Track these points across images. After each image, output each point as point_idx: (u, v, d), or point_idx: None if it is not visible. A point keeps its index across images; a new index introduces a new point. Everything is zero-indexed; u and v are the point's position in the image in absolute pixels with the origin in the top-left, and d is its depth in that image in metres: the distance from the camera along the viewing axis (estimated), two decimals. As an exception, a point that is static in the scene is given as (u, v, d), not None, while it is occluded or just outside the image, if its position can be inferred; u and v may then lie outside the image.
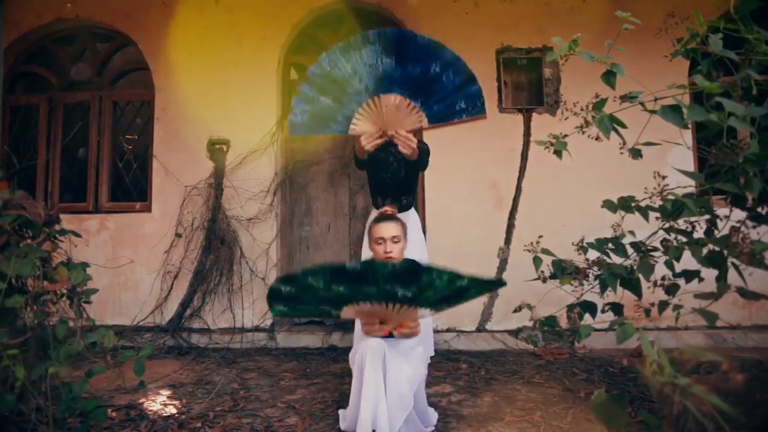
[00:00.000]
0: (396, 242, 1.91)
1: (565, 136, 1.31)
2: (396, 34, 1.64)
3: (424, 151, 2.01)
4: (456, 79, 1.68)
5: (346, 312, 1.50)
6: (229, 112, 3.74)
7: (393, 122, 1.77)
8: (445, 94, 1.72)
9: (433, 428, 2.05)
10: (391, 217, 1.93)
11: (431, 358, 2.25)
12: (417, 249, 2.34)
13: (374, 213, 2.34)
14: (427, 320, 2.29)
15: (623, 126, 1.22)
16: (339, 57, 1.66)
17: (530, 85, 3.68)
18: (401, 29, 1.68)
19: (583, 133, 1.27)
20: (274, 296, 1.41)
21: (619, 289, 1.20)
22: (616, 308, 1.26)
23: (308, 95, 1.71)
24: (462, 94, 1.72)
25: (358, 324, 2.14)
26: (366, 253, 2.23)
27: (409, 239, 2.14)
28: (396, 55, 1.64)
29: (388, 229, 1.88)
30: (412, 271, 1.33)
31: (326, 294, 1.37)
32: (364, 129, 1.80)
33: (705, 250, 1.12)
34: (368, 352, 1.73)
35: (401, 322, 1.65)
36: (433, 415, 2.09)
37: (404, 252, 2.01)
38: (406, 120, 1.78)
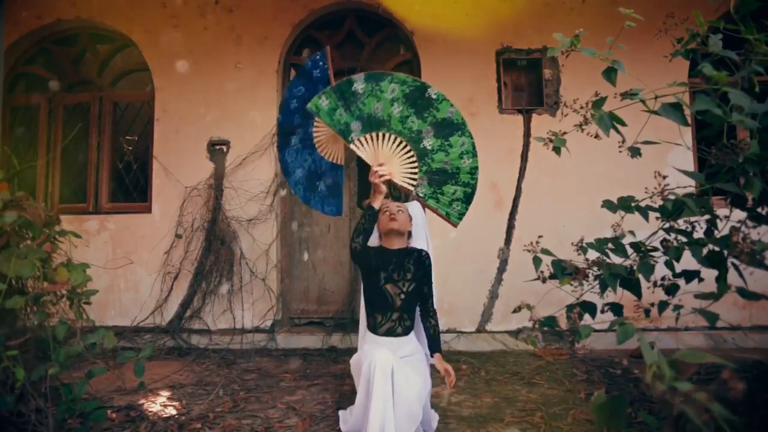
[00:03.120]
0: (400, 211, 1.95)
1: (565, 134, 1.30)
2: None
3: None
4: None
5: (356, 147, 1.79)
6: (229, 113, 3.74)
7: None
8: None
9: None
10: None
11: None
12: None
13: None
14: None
15: (623, 124, 1.22)
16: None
17: (530, 86, 3.68)
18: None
19: (583, 130, 1.27)
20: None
21: (619, 289, 1.20)
22: (616, 308, 1.25)
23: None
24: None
25: (361, 331, 2.13)
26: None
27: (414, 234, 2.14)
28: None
29: (394, 202, 1.95)
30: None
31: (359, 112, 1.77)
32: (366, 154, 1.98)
33: (705, 251, 1.12)
34: (377, 366, 1.71)
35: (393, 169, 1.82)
36: (434, 418, 2.09)
37: (407, 228, 2.03)
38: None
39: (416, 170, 1.83)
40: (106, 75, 4.05)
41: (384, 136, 1.83)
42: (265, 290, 3.61)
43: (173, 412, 2.31)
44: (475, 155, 1.86)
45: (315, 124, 1.91)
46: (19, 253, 1.67)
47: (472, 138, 1.86)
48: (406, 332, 2.02)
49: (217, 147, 3.72)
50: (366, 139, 1.83)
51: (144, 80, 3.96)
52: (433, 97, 1.82)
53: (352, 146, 1.83)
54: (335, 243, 3.78)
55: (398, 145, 1.83)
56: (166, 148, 3.78)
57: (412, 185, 1.83)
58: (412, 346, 2.04)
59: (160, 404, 2.41)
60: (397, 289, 2.00)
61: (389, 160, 1.83)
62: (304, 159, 1.89)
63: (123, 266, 3.65)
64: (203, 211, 3.68)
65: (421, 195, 1.84)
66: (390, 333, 1.99)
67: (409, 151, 1.83)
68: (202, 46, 3.79)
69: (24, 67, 4.08)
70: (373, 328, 2.03)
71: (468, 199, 1.87)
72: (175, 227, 3.68)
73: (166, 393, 2.57)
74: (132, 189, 4.00)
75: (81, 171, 3.99)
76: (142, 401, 2.43)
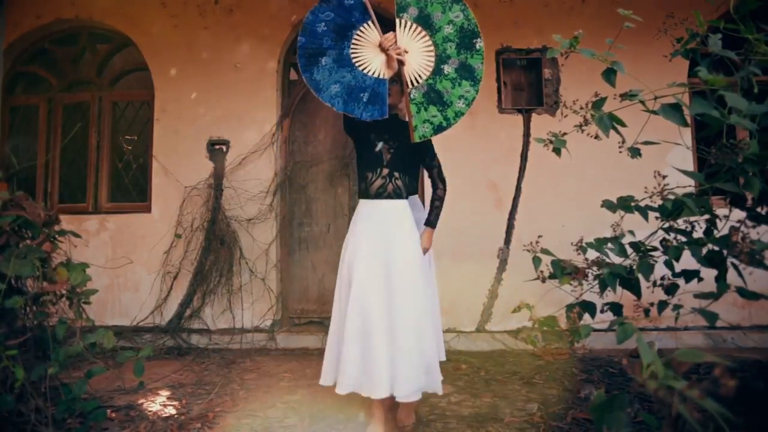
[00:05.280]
0: (394, 84, 2.10)
1: (564, 134, 1.31)
2: None
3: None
4: None
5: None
6: (228, 113, 3.74)
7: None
8: None
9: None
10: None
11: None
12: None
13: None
14: (437, 320, 2.27)
15: (623, 125, 1.22)
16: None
17: (530, 86, 3.68)
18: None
19: (583, 131, 1.27)
20: None
21: (619, 289, 1.20)
22: (616, 308, 1.25)
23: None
24: None
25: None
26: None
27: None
28: None
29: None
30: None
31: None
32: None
33: (704, 250, 1.12)
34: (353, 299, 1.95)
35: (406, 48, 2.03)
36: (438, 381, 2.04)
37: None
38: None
39: (424, 77, 2.07)
40: (105, 75, 4.05)
41: (424, 37, 2.08)
42: (265, 290, 3.61)
43: (173, 411, 2.31)
44: (468, 105, 2.10)
45: (353, 45, 2.08)
46: (19, 252, 1.67)
47: (476, 94, 2.11)
48: (398, 195, 2.08)
49: (217, 147, 3.72)
50: (409, 26, 2.08)
51: (143, 80, 3.95)
52: (477, 47, 2.11)
53: (397, 20, 2.08)
54: (335, 243, 3.77)
55: (427, 51, 2.08)
56: (165, 147, 3.77)
57: (413, 84, 2.06)
58: (406, 214, 2.10)
59: (159, 404, 2.41)
60: (386, 145, 2.11)
61: (412, 55, 2.06)
62: (341, 76, 2.05)
63: (123, 266, 3.65)
64: (203, 211, 3.68)
65: (411, 96, 2.06)
66: (380, 194, 2.07)
67: (430, 62, 2.08)
68: (202, 46, 3.79)
69: (23, 66, 4.08)
70: (365, 191, 2.11)
71: (437, 129, 2.08)
72: (175, 227, 3.68)
73: (165, 393, 2.57)
74: (132, 189, 4.00)
75: (80, 171, 3.99)
76: (141, 401, 2.43)
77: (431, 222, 2.17)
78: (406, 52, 2.05)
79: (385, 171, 2.09)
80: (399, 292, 1.95)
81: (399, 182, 2.10)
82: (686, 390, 0.65)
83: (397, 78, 2.09)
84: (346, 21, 2.07)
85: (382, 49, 2.05)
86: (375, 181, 2.08)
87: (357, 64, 2.07)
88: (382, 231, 2.04)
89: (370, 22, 2.08)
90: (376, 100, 2.05)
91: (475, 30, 2.14)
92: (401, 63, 2.04)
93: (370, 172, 2.10)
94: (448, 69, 2.09)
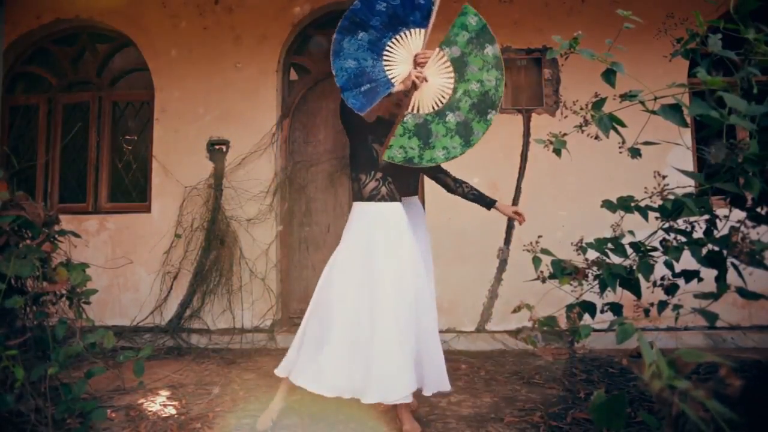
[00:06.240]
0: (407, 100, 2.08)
1: (565, 135, 1.31)
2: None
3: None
4: None
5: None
6: (229, 113, 3.74)
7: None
8: None
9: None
10: None
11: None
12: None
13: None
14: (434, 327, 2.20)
15: (623, 125, 1.22)
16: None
17: (530, 86, 3.68)
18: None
19: (583, 131, 1.27)
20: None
21: (619, 289, 1.20)
22: (616, 308, 1.26)
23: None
24: None
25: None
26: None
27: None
28: None
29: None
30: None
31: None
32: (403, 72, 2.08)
33: (704, 250, 1.12)
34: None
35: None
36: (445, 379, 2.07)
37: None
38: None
39: (425, 111, 2.06)
40: (105, 75, 4.05)
41: (450, 78, 2.07)
42: (265, 290, 3.61)
43: (173, 411, 2.31)
44: (446, 159, 2.05)
45: (394, 41, 2.04)
46: (19, 252, 1.67)
47: (459, 155, 2.06)
48: (391, 197, 2.09)
49: (217, 147, 3.72)
50: (444, 61, 2.06)
51: (143, 80, 3.95)
52: (488, 117, 2.07)
53: (437, 49, 2.07)
54: (335, 243, 3.76)
55: (443, 91, 2.06)
56: (165, 147, 3.77)
57: (413, 110, 2.05)
58: (397, 216, 2.09)
59: (159, 404, 2.41)
60: (383, 149, 2.09)
61: (428, 87, 2.05)
62: (363, 58, 2.01)
63: (122, 266, 3.65)
64: (203, 211, 3.68)
65: (404, 120, 2.04)
66: (373, 196, 2.07)
67: (440, 101, 2.07)
68: (202, 46, 3.79)
69: (23, 66, 4.08)
70: (358, 193, 2.11)
71: (407, 161, 2.02)
72: (175, 227, 3.68)
73: (165, 393, 2.57)
74: (131, 189, 4.00)
75: (80, 171, 3.99)
76: (141, 401, 2.43)
77: (489, 200, 2.26)
78: (426, 81, 2.03)
79: (379, 174, 2.09)
80: (381, 296, 1.94)
81: (393, 186, 2.10)
82: (691, 390, 0.65)
83: (404, 93, 2.07)
84: (404, 15, 2.04)
85: (415, 61, 2.04)
86: (368, 183, 2.08)
87: (384, 58, 2.03)
88: (370, 234, 2.04)
89: (423, 30, 2.06)
90: (369, 95, 2.00)
91: (496, 102, 2.09)
92: (414, 86, 2.02)
93: (364, 174, 2.10)
94: (450, 117, 2.06)
